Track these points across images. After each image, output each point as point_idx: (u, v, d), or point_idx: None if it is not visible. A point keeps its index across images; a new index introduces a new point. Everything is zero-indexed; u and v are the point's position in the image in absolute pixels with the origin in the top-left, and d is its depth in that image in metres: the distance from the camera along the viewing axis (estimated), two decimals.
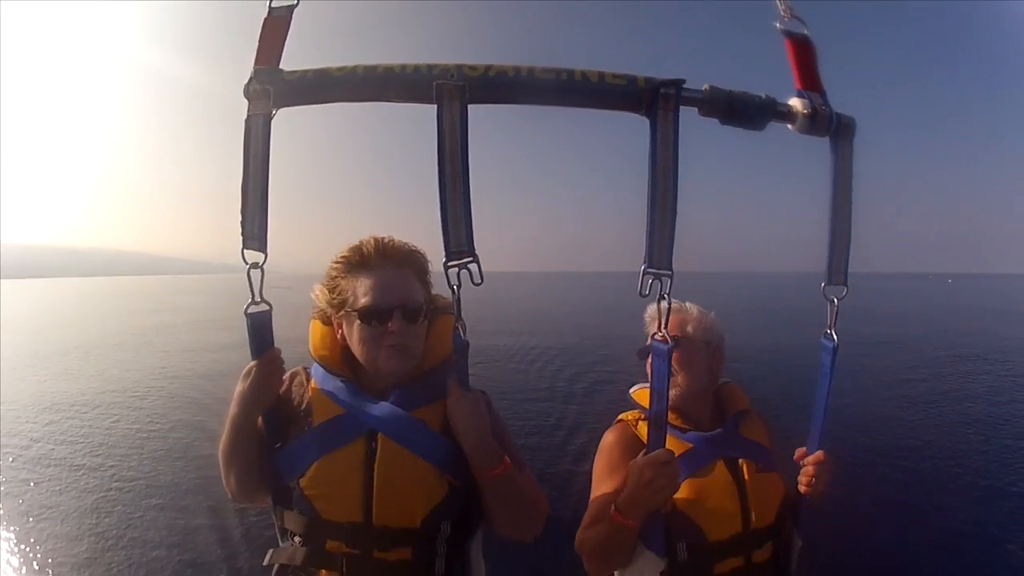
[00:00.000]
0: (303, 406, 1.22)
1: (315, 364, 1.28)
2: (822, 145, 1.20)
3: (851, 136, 1.19)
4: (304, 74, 1.05)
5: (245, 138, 1.07)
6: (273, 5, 1.08)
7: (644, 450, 1.20)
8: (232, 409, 1.17)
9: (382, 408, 1.18)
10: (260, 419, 1.20)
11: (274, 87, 1.04)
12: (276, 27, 1.08)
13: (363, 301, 1.18)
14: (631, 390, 1.57)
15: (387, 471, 1.13)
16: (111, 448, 6.34)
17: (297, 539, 1.15)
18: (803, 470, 1.36)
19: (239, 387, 1.15)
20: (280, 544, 1.20)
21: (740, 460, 1.39)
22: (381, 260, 1.22)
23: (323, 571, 1.12)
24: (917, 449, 5.87)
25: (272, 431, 1.21)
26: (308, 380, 1.27)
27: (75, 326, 22.43)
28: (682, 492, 1.31)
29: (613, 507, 1.22)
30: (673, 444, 1.35)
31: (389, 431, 1.16)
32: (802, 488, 1.35)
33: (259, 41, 1.07)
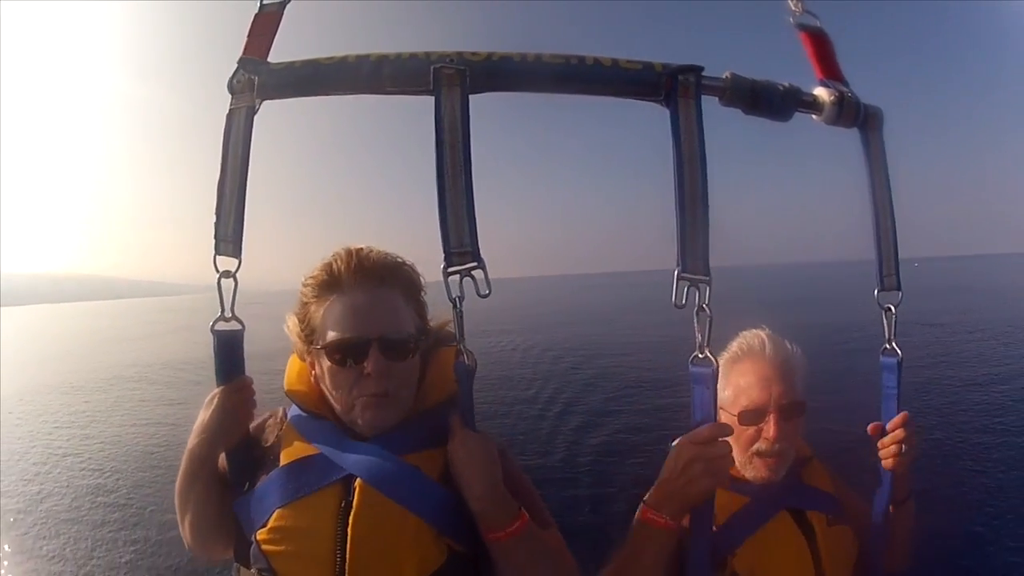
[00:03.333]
0: (274, 447, 1.01)
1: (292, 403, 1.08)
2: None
3: (879, 126, 1.12)
4: (291, 64, 0.98)
5: (225, 133, 0.98)
6: (265, 1, 1.03)
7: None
8: (191, 441, 0.98)
9: (364, 450, 0.96)
10: (224, 458, 1.01)
11: (259, 77, 0.97)
12: (266, 22, 1.02)
13: (331, 335, 0.97)
14: None
15: (365, 526, 0.90)
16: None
17: None
18: (883, 449, 1.11)
19: (201, 416, 0.97)
20: None
21: (808, 513, 1.18)
22: (355, 278, 0.99)
23: None
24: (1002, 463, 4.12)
25: (237, 473, 1.00)
26: (284, 420, 1.06)
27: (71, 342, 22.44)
28: (745, 552, 1.11)
29: (642, 505, 0.98)
30: (726, 498, 1.13)
31: (370, 477, 0.93)
32: (886, 464, 1.11)
33: (248, 36, 1.01)
